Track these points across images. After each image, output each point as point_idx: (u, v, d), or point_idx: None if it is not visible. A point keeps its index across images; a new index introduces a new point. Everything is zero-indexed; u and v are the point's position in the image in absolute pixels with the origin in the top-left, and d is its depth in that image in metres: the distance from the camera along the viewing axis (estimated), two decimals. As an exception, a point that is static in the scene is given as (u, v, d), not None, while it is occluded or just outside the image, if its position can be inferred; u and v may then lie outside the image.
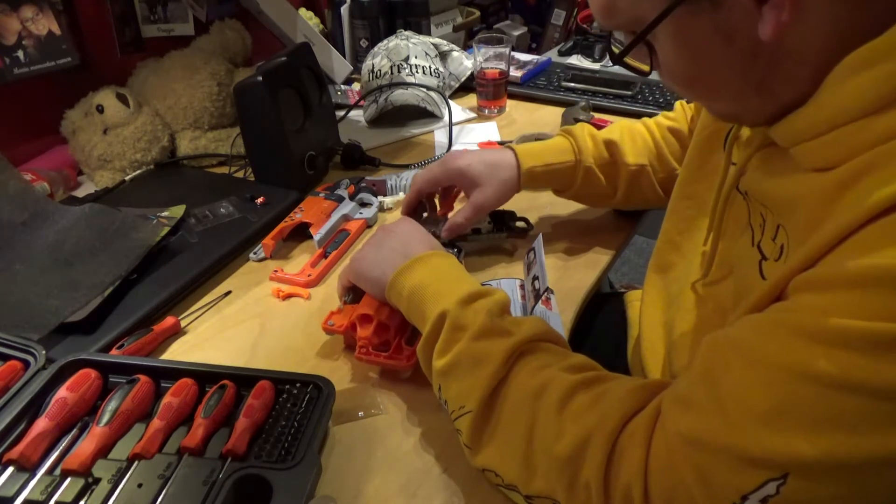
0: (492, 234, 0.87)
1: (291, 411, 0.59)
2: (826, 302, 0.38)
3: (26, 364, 0.65)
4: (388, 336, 0.68)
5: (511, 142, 1.11)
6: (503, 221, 0.88)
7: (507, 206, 0.88)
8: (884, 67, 0.39)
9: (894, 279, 0.35)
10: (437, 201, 0.89)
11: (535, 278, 0.75)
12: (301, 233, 0.91)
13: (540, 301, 0.72)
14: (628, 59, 0.51)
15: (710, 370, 0.43)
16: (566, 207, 0.96)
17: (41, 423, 0.58)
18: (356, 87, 1.40)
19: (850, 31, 0.41)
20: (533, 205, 0.98)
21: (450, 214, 0.87)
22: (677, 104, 0.88)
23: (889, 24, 0.39)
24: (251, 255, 0.88)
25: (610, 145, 0.84)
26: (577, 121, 1.14)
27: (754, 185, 0.52)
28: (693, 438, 0.42)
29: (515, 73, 1.38)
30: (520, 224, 0.88)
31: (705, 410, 0.42)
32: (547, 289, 0.71)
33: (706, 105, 0.54)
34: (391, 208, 1.00)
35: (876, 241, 0.36)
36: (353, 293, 0.72)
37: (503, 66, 1.26)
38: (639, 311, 0.73)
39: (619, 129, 0.86)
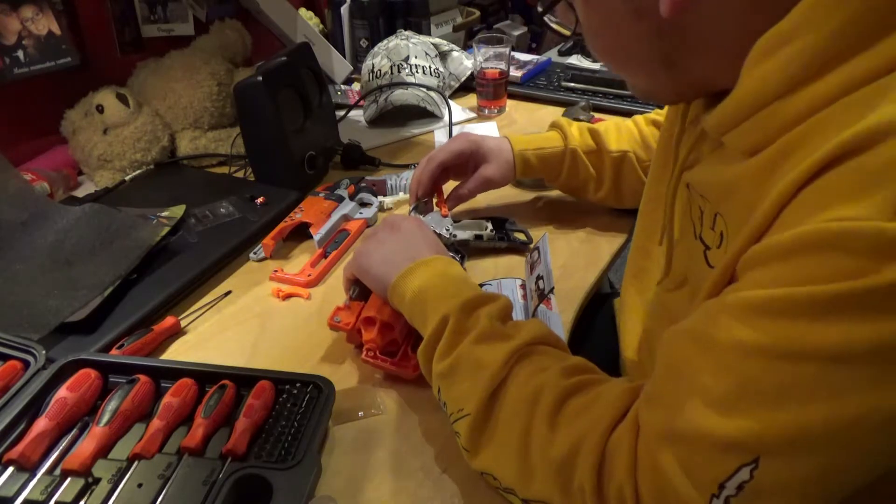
0: (493, 241, 0.87)
1: (291, 411, 0.59)
2: (764, 276, 0.38)
3: (26, 364, 0.65)
4: (393, 335, 0.67)
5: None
6: (503, 229, 0.88)
7: (506, 214, 0.90)
8: (788, 50, 0.40)
9: (819, 242, 0.35)
10: (435, 202, 0.90)
11: (540, 278, 0.75)
12: (301, 233, 0.91)
13: (542, 301, 0.72)
14: (554, 23, 0.52)
15: (671, 364, 0.44)
16: (566, 208, 0.96)
17: (41, 423, 0.58)
18: (356, 87, 1.40)
19: (756, 15, 0.42)
20: (533, 207, 0.98)
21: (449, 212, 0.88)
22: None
23: (790, 7, 0.40)
24: (251, 255, 0.88)
25: (594, 134, 0.89)
26: (577, 121, 1.14)
27: (695, 177, 0.54)
28: (664, 433, 0.42)
29: (515, 73, 1.38)
30: (519, 235, 0.88)
31: (672, 404, 0.42)
32: (552, 289, 0.71)
33: (625, 78, 0.55)
34: (391, 208, 1.00)
35: (801, 211, 0.37)
36: (359, 288, 0.72)
37: (503, 66, 1.26)
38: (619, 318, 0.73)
39: (606, 123, 0.91)
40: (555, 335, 0.59)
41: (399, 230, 0.70)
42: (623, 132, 0.89)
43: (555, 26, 0.55)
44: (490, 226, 0.87)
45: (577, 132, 0.89)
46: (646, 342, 0.65)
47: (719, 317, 0.41)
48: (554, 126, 0.92)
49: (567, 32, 0.54)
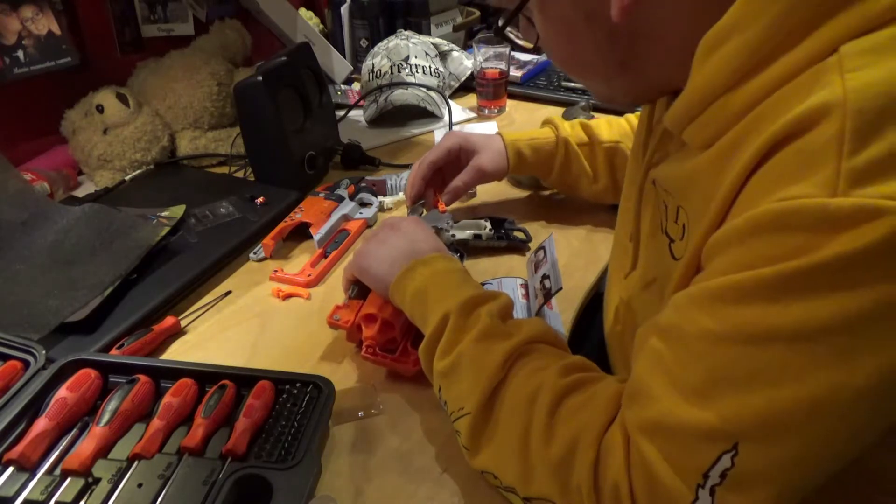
0: (492, 241, 0.87)
1: (291, 411, 0.59)
2: (723, 262, 0.39)
3: (26, 364, 0.65)
4: (393, 334, 0.68)
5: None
6: (502, 228, 0.88)
7: (505, 213, 0.90)
8: (730, 45, 0.41)
9: (767, 223, 0.36)
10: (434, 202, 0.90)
11: (546, 277, 0.75)
12: (301, 233, 0.91)
13: (547, 301, 0.72)
14: (515, 35, 0.54)
15: (646, 358, 0.45)
16: (565, 208, 0.96)
17: (41, 423, 0.58)
18: (356, 87, 1.40)
19: (703, 16, 0.43)
20: (532, 207, 0.98)
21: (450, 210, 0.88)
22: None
23: (729, 4, 0.42)
24: (251, 255, 0.88)
25: (586, 128, 0.90)
26: (576, 121, 1.14)
27: (660, 173, 0.55)
28: (646, 426, 0.43)
29: (515, 73, 1.38)
30: (518, 234, 0.88)
31: (649, 399, 0.43)
32: (560, 288, 0.71)
33: (586, 85, 0.57)
34: (391, 208, 1.00)
35: (752, 195, 0.39)
36: (358, 287, 0.72)
37: (503, 66, 1.26)
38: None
39: (597, 119, 0.92)
40: (554, 333, 0.59)
41: (399, 230, 0.70)
42: (614, 125, 0.90)
43: (518, 41, 0.56)
44: (489, 225, 0.87)
45: (569, 127, 0.90)
46: (615, 339, 0.65)
47: (686, 308, 0.42)
48: (547, 122, 0.93)
49: (530, 45, 0.55)
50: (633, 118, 0.90)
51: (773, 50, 0.40)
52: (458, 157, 0.90)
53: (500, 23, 0.54)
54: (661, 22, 0.46)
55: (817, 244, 0.35)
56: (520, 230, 0.89)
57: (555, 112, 1.26)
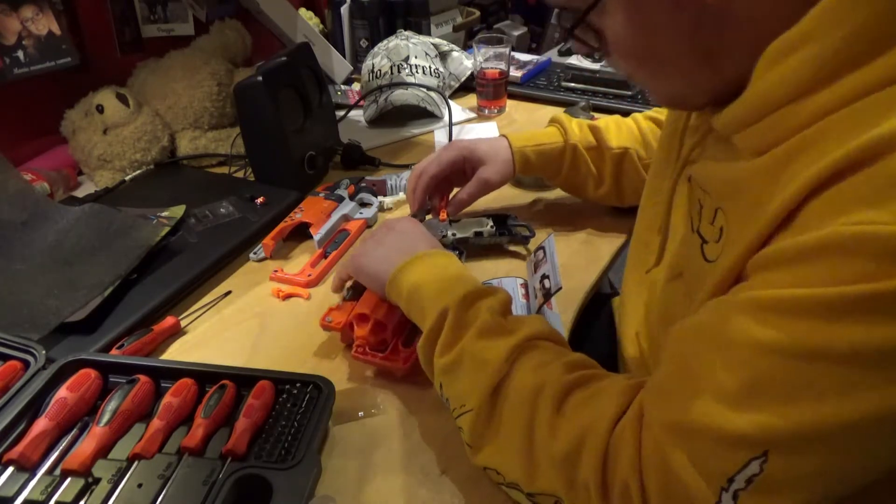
0: (493, 238, 0.87)
1: (291, 411, 0.59)
2: (779, 277, 0.39)
3: (26, 364, 0.65)
4: (385, 335, 0.68)
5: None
6: (504, 225, 0.88)
7: (506, 210, 0.89)
8: (802, 54, 0.40)
9: (837, 245, 0.36)
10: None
11: (545, 277, 0.75)
12: (301, 233, 0.91)
13: (547, 301, 0.72)
14: (582, 36, 0.52)
15: (681, 358, 0.44)
16: (566, 209, 0.96)
17: (41, 423, 0.58)
18: (356, 87, 1.40)
19: (773, 17, 0.42)
20: (533, 207, 0.98)
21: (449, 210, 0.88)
22: None
23: (802, 13, 0.41)
24: (251, 255, 0.88)
25: (595, 130, 0.88)
26: (577, 121, 1.14)
27: (698, 171, 0.54)
28: (674, 427, 0.43)
29: (515, 73, 1.38)
30: (521, 230, 0.88)
31: (681, 398, 0.43)
32: (559, 288, 0.71)
33: (655, 87, 0.55)
34: (391, 208, 0.99)
35: (817, 215, 0.38)
36: (353, 290, 0.72)
37: (503, 66, 1.26)
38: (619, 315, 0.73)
39: (606, 119, 0.91)
40: (556, 332, 0.59)
41: (395, 230, 0.70)
42: (623, 129, 0.88)
43: (587, 41, 0.54)
44: (490, 222, 0.87)
45: (577, 128, 0.89)
46: (645, 334, 0.65)
47: (732, 314, 0.41)
48: (553, 122, 0.92)
49: (595, 44, 0.53)
50: (640, 118, 0.89)
51: (848, 62, 0.39)
52: (461, 168, 0.89)
53: (570, 25, 0.51)
54: (748, 10, 0.44)
55: (887, 273, 0.34)
56: (523, 225, 0.88)
57: (554, 112, 1.26)
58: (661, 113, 0.88)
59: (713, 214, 0.49)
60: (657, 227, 0.63)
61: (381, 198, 1.00)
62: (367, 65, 1.29)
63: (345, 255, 0.89)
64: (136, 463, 0.56)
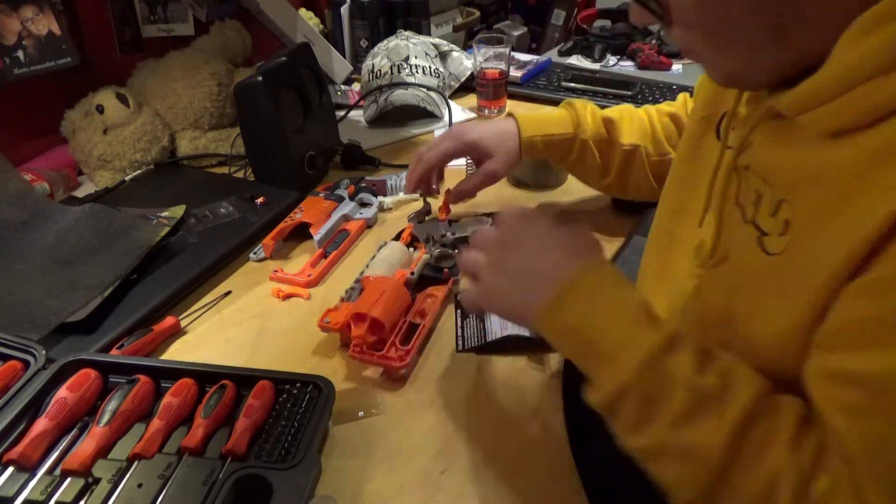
0: None
1: (291, 411, 0.59)
2: None
3: (26, 364, 0.65)
4: (382, 334, 0.68)
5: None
6: None
7: (506, 207, 0.89)
8: (893, 27, 0.38)
9: None
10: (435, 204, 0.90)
11: None
12: (301, 233, 0.91)
13: None
14: (645, 2, 0.48)
15: (854, 416, 0.40)
16: (566, 209, 0.96)
17: (41, 423, 0.58)
18: (356, 87, 1.40)
19: None
20: (533, 204, 0.98)
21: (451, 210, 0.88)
22: (680, 95, 0.88)
23: None
24: (251, 255, 0.88)
25: (608, 123, 0.86)
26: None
27: (757, 159, 0.51)
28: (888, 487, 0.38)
29: (515, 73, 1.38)
30: None
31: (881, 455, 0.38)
32: None
33: (714, 62, 0.52)
34: (391, 208, 0.99)
35: None
36: (351, 292, 0.72)
37: (503, 66, 1.26)
38: None
39: (620, 109, 0.88)
40: (761, 378, 0.46)
41: (513, 248, 0.56)
42: (636, 122, 0.86)
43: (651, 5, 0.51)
44: (490, 221, 0.87)
45: (590, 119, 0.86)
46: (682, 320, 0.59)
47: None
48: (567, 105, 0.88)
49: (660, 13, 0.49)
50: (654, 113, 0.87)
51: None
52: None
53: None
54: None
55: None
56: None
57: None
58: (673, 106, 0.87)
59: (775, 206, 0.47)
60: (695, 218, 0.59)
61: (381, 198, 1.00)
62: (367, 65, 1.29)
63: (344, 258, 0.89)
64: (136, 463, 0.56)
